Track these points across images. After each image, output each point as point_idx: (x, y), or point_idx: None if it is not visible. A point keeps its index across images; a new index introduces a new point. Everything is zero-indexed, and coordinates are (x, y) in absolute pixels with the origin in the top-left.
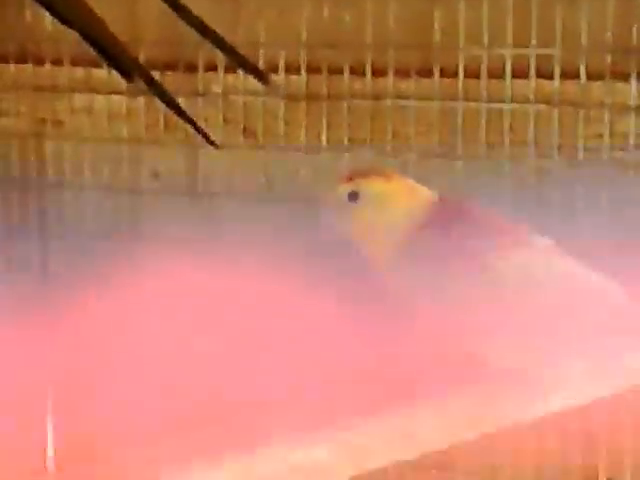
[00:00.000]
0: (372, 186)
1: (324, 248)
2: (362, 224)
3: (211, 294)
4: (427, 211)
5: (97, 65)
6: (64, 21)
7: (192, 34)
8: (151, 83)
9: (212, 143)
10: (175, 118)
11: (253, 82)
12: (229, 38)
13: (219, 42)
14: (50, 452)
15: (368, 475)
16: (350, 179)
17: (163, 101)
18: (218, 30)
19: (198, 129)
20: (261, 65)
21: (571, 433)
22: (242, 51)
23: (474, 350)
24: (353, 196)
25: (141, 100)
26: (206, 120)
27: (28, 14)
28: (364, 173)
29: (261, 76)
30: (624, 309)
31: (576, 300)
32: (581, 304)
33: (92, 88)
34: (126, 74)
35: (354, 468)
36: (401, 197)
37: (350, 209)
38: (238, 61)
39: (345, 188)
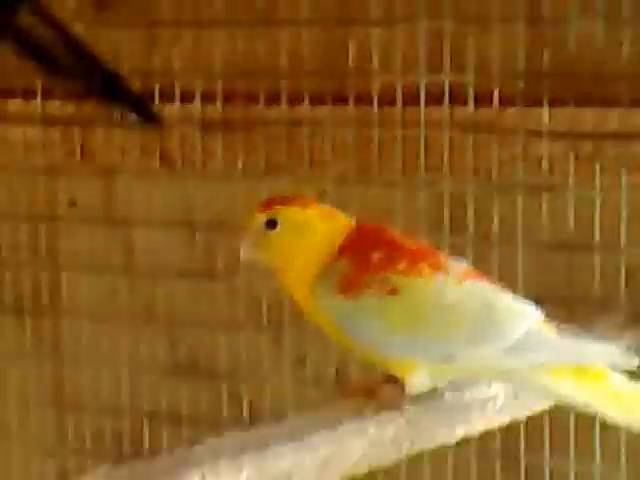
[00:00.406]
0: (290, 214)
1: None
2: (280, 251)
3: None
4: (345, 238)
5: (12, 96)
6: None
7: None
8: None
9: (158, 122)
10: (89, 148)
11: (169, 110)
12: (145, 67)
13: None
14: None
15: None
16: (268, 207)
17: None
18: (134, 59)
19: (144, 110)
20: (177, 93)
21: (494, 452)
22: (157, 81)
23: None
24: (271, 224)
25: (57, 131)
26: (123, 149)
27: None
28: (282, 201)
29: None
30: (538, 324)
31: (491, 320)
32: (500, 317)
33: (7, 119)
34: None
35: None
36: (318, 224)
37: (269, 237)
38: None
39: (263, 216)
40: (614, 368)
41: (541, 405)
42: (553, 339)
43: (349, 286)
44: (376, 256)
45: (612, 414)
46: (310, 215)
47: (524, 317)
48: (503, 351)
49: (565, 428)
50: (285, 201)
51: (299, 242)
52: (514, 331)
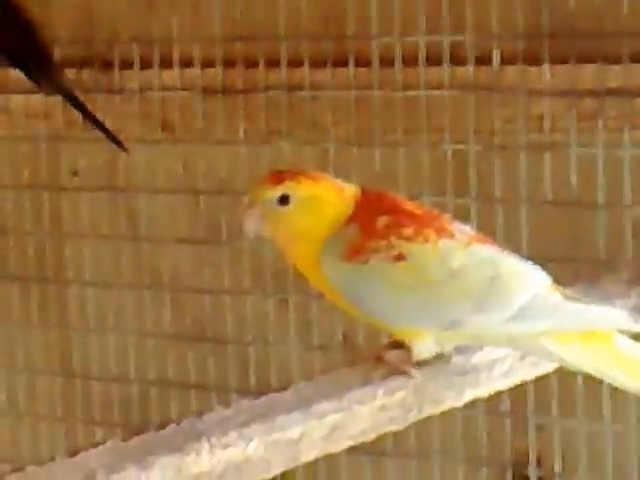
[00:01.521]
0: (303, 190)
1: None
2: (291, 227)
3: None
4: (352, 207)
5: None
6: None
7: (105, 32)
8: (63, 90)
9: (123, 148)
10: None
11: (170, 77)
12: (144, 34)
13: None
14: None
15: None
16: (280, 181)
17: (75, 107)
18: (133, 26)
19: (110, 135)
20: (176, 59)
21: (500, 414)
22: (156, 47)
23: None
24: (283, 200)
25: (59, 98)
26: (124, 116)
27: None
28: (293, 176)
29: (112, 138)
30: (544, 289)
31: (497, 286)
32: (506, 283)
33: (8, 87)
34: (35, 80)
35: (287, 462)
36: (330, 199)
37: (280, 213)
38: (97, 126)
39: (275, 191)
40: (620, 331)
41: (548, 367)
42: (559, 305)
43: (355, 252)
44: (382, 222)
45: (619, 378)
46: (322, 190)
47: (530, 282)
48: (509, 317)
49: (573, 388)
50: (295, 175)
51: (312, 218)
52: (520, 297)
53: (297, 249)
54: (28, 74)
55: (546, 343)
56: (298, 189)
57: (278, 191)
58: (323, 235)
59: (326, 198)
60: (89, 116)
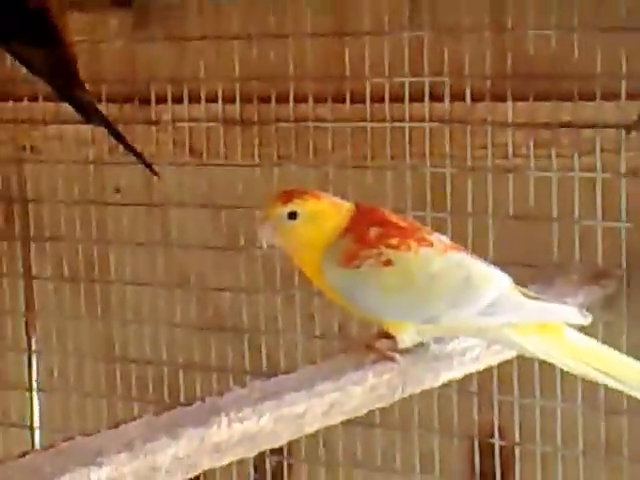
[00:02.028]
0: (308, 207)
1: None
2: (299, 238)
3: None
4: (348, 220)
5: None
6: (35, 72)
7: (144, 73)
8: (105, 123)
9: (153, 172)
10: (132, 141)
11: (197, 110)
12: (177, 75)
13: (110, 128)
14: None
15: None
16: (289, 200)
17: (115, 138)
18: (167, 68)
19: (143, 161)
20: (203, 95)
21: (470, 393)
22: (186, 86)
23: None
24: (292, 215)
25: (102, 128)
26: (158, 143)
27: (8, 62)
28: (299, 195)
29: (146, 164)
30: (507, 289)
31: (468, 287)
32: (476, 284)
33: (62, 119)
34: (85, 115)
35: (293, 433)
36: (330, 213)
37: (289, 226)
38: (134, 153)
39: (285, 208)
40: (570, 325)
41: (510, 354)
42: (519, 302)
43: (350, 259)
44: (373, 233)
45: (568, 364)
46: (324, 206)
47: (496, 283)
48: (478, 313)
49: (530, 371)
50: (301, 194)
51: (315, 230)
52: (487, 296)
53: (302, 255)
54: (77, 109)
55: (509, 334)
56: (304, 206)
57: (287, 208)
58: (324, 244)
59: (327, 213)
60: (126, 145)
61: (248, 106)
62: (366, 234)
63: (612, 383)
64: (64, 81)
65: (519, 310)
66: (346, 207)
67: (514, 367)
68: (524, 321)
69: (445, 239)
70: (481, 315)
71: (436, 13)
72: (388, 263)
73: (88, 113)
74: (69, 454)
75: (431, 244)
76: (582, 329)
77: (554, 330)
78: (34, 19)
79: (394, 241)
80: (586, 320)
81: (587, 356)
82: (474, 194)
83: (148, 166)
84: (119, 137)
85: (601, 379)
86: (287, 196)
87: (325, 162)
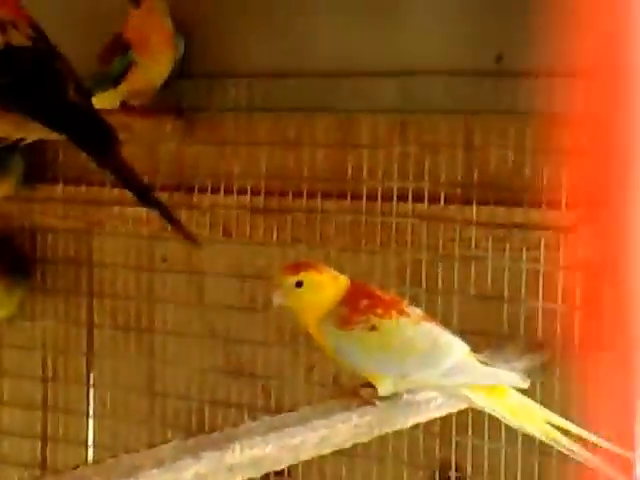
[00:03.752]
0: (311, 277)
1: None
2: (304, 302)
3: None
4: (344, 292)
5: None
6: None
7: (189, 170)
8: (160, 208)
9: (196, 242)
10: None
11: (230, 200)
12: (215, 171)
13: (163, 209)
14: None
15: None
16: (296, 272)
17: (167, 220)
18: (208, 165)
19: (188, 235)
20: (235, 189)
21: (433, 434)
22: (222, 180)
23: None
24: (299, 284)
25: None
26: (199, 225)
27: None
28: (304, 267)
29: (190, 237)
30: (465, 355)
31: (434, 352)
32: (440, 349)
33: (124, 202)
34: (144, 202)
35: (292, 459)
36: (329, 284)
37: (296, 292)
38: (175, 225)
39: (293, 279)
40: (513, 387)
41: (465, 405)
42: (474, 366)
43: (345, 323)
44: (363, 303)
45: (509, 418)
46: (324, 278)
47: (456, 350)
48: (441, 373)
49: (482, 419)
50: (307, 267)
51: (317, 297)
52: (449, 360)
53: (306, 317)
54: (137, 196)
55: (464, 391)
56: (308, 277)
57: (296, 278)
58: (325, 308)
59: (326, 284)
60: (174, 221)
61: (270, 198)
62: (358, 304)
63: (539, 435)
64: (125, 172)
65: (473, 374)
66: (342, 280)
67: (469, 415)
68: (476, 382)
69: (419, 311)
70: (443, 375)
71: (420, 133)
72: (373, 328)
73: (146, 198)
74: (113, 468)
75: (408, 315)
76: (522, 391)
77: (500, 391)
78: (98, 124)
79: (379, 310)
80: (525, 384)
81: (523, 414)
82: (443, 276)
83: (191, 237)
84: (169, 216)
85: (531, 431)
86: (296, 268)
87: (328, 245)
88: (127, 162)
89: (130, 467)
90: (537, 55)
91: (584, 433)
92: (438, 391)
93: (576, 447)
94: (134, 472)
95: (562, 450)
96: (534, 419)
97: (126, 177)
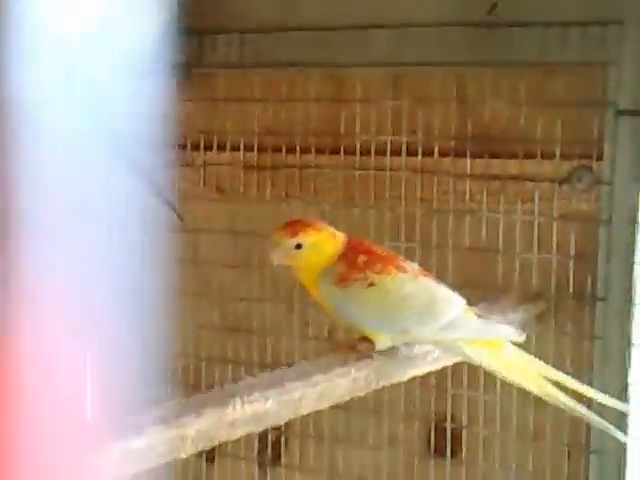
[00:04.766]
0: (310, 238)
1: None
2: (303, 262)
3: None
4: (342, 249)
5: None
6: None
7: (182, 128)
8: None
9: (180, 217)
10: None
11: (223, 157)
12: (208, 129)
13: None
14: None
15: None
16: (295, 234)
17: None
18: (201, 123)
19: (173, 209)
20: (228, 145)
21: (429, 386)
22: (215, 137)
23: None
24: (298, 246)
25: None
26: (192, 182)
27: None
28: (303, 228)
29: (177, 213)
30: (462, 310)
31: (433, 307)
32: (438, 304)
33: None
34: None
35: (292, 414)
36: (327, 242)
37: (295, 253)
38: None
39: (292, 241)
40: (509, 341)
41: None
42: (471, 321)
43: (342, 280)
44: (360, 260)
45: (504, 374)
46: (323, 237)
47: (454, 305)
48: (439, 328)
49: (477, 371)
50: (305, 227)
51: (316, 256)
52: (446, 315)
53: (304, 275)
54: None
55: (460, 346)
56: (308, 239)
57: (295, 240)
58: (323, 266)
59: (325, 243)
60: (159, 191)
61: (263, 155)
62: (355, 261)
63: (534, 390)
64: None
65: (470, 328)
66: (340, 237)
67: (464, 367)
68: (473, 337)
69: (416, 266)
70: (441, 330)
71: (413, 86)
72: (371, 284)
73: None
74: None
75: (405, 270)
76: (519, 345)
77: (496, 346)
78: None
79: (377, 267)
80: (522, 337)
81: (518, 369)
82: (438, 230)
83: (175, 211)
84: (152, 183)
85: (526, 385)
86: (294, 229)
87: (322, 200)
88: None
89: (133, 424)
90: (531, 5)
91: (579, 386)
92: (435, 345)
93: (572, 402)
94: (137, 429)
95: (557, 404)
96: (530, 373)
97: None
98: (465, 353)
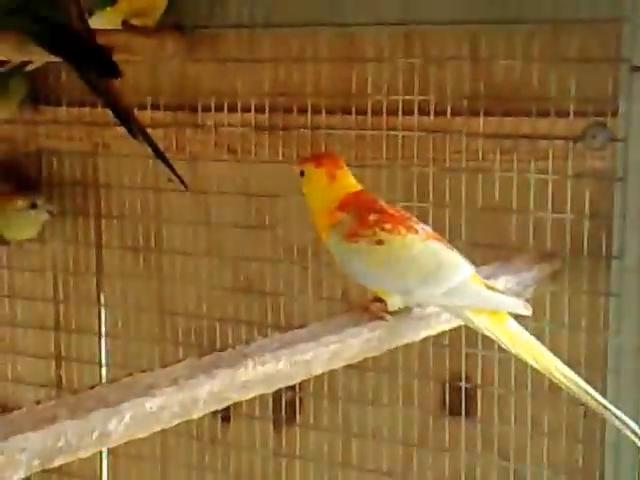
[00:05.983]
0: (307, 168)
1: None
2: (306, 192)
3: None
4: (348, 193)
5: None
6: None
7: (193, 88)
8: (150, 144)
9: (184, 184)
10: (181, 142)
11: (234, 118)
12: (219, 89)
13: (152, 146)
14: None
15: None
16: (300, 163)
17: (156, 157)
18: (211, 84)
19: (176, 174)
20: (239, 106)
21: (443, 346)
22: (226, 98)
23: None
24: (301, 173)
25: (160, 131)
26: (203, 143)
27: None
28: (307, 160)
29: (180, 180)
30: (468, 278)
31: (438, 271)
32: (444, 269)
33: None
34: (132, 134)
35: (304, 375)
36: (323, 180)
37: (299, 181)
38: (168, 166)
39: (297, 168)
40: (513, 315)
41: None
42: (477, 289)
43: (352, 236)
44: (371, 217)
45: (506, 344)
46: (319, 174)
47: (460, 272)
48: (442, 293)
49: None
50: (313, 159)
51: (312, 191)
52: (452, 280)
53: (315, 219)
54: (123, 124)
55: (465, 312)
56: (306, 168)
57: (298, 168)
58: (326, 208)
59: (321, 179)
60: (161, 157)
61: (274, 115)
62: (366, 217)
63: (532, 363)
64: (116, 103)
65: (475, 296)
66: (349, 181)
67: None
68: (477, 306)
69: (428, 229)
70: (445, 295)
71: (425, 46)
72: (380, 242)
73: (131, 128)
74: (128, 387)
75: (416, 231)
76: (532, 300)
77: (500, 317)
78: (99, 55)
79: (387, 226)
80: (528, 311)
81: (518, 343)
82: (451, 189)
83: (178, 176)
84: (158, 153)
85: (526, 359)
86: (300, 160)
87: None
88: (120, 95)
89: (146, 385)
90: None
91: (582, 384)
92: (442, 309)
93: (578, 386)
94: (150, 390)
95: (564, 386)
96: (530, 350)
97: (118, 111)
98: (469, 320)
